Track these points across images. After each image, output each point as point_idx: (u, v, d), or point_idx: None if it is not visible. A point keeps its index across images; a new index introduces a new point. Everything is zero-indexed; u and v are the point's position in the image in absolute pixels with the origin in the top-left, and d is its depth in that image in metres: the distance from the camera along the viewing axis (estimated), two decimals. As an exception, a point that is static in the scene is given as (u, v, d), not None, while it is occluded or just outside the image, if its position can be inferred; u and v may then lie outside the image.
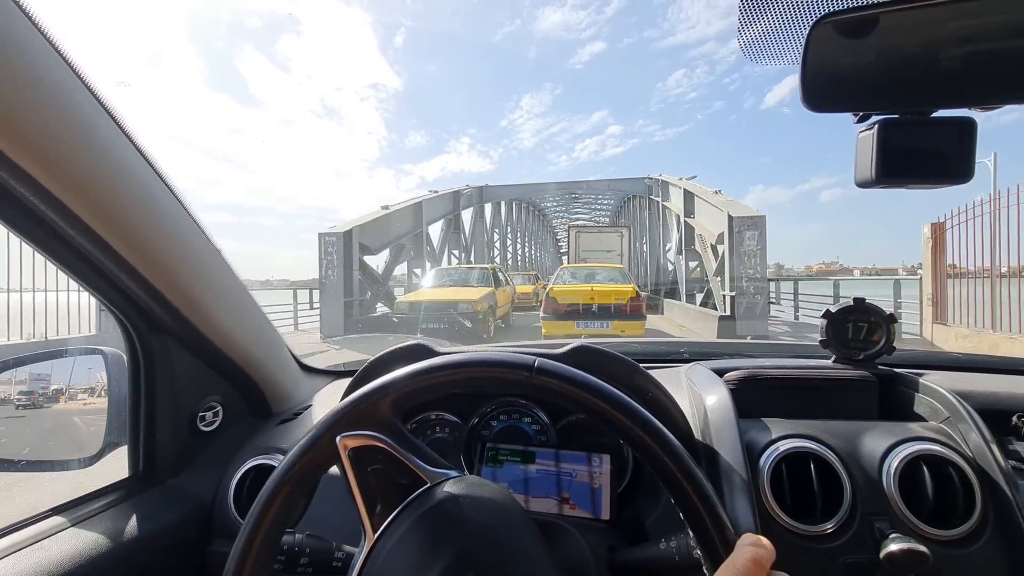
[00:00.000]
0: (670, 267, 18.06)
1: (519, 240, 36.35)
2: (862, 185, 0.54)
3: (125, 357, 0.80)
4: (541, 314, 7.69)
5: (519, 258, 37.59)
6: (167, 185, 0.66)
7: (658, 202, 18.67)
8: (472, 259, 20.75)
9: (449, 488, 0.47)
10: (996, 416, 0.73)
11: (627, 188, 23.55)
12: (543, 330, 7.53)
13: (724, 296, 10.88)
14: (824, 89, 0.51)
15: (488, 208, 24.41)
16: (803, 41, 0.48)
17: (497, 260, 26.16)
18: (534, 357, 0.48)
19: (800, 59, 0.49)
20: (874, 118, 0.53)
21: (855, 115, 0.55)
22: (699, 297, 13.42)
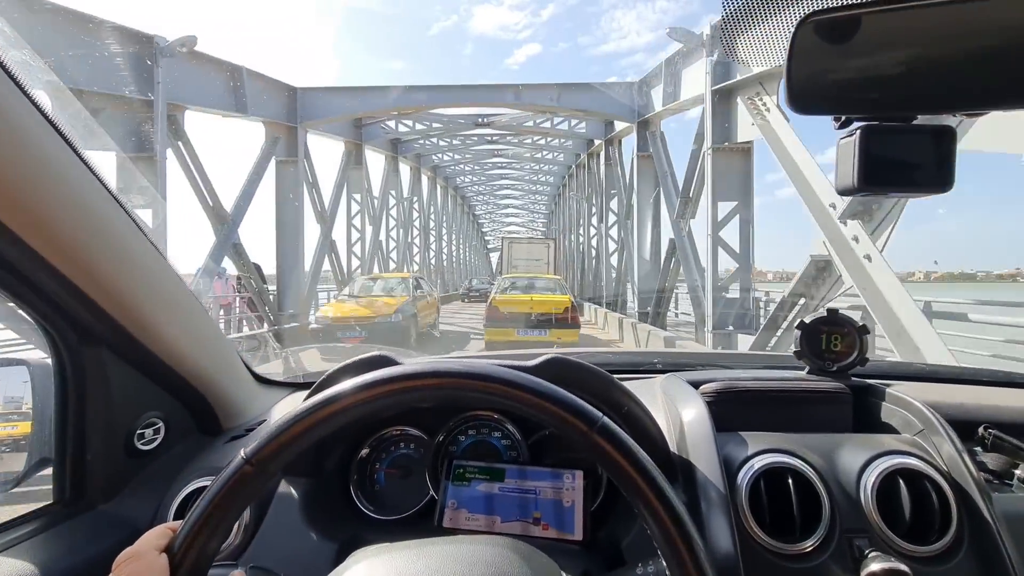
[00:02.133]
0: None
1: (446, 236, 26.33)
2: (843, 192, 0.53)
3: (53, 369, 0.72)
4: (484, 322, 8.13)
5: (449, 259, 26.48)
6: (96, 176, 0.59)
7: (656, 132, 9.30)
8: (274, 244, 9.83)
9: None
10: (963, 427, 0.73)
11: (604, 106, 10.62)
12: (485, 336, 8.02)
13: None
14: (808, 91, 0.49)
15: (338, 153, 12.33)
16: (788, 42, 0.46)
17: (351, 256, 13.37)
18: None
19: (785, 60, 0.47)
20: (855, 124, 0.52)
21: (836, 122, 0.54)
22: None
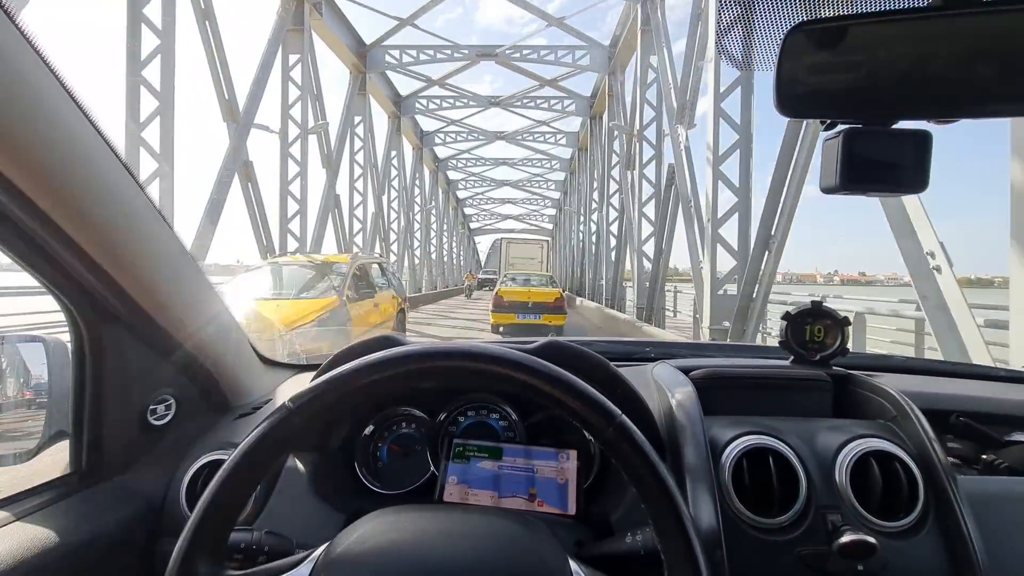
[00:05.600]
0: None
1: (441, 224, 23.33)
2: (827, 191, 0.56)
3: (69, 346, 0.75)
4: (491, 308, 9.94)
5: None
6: (120, 161, 0.62)
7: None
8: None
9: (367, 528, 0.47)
10: (937, 415, 0.77)
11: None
12: (492, 320, 9.83)
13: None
14: (795, 95, 0.52)
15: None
16: (779, 47, 0.49)
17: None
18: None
19: (775, 65, 0.50)
20: (840, 127, 0.55)
21: (822, 124, 0.57)
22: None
